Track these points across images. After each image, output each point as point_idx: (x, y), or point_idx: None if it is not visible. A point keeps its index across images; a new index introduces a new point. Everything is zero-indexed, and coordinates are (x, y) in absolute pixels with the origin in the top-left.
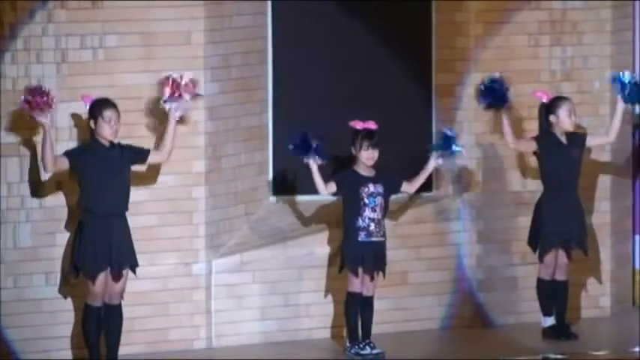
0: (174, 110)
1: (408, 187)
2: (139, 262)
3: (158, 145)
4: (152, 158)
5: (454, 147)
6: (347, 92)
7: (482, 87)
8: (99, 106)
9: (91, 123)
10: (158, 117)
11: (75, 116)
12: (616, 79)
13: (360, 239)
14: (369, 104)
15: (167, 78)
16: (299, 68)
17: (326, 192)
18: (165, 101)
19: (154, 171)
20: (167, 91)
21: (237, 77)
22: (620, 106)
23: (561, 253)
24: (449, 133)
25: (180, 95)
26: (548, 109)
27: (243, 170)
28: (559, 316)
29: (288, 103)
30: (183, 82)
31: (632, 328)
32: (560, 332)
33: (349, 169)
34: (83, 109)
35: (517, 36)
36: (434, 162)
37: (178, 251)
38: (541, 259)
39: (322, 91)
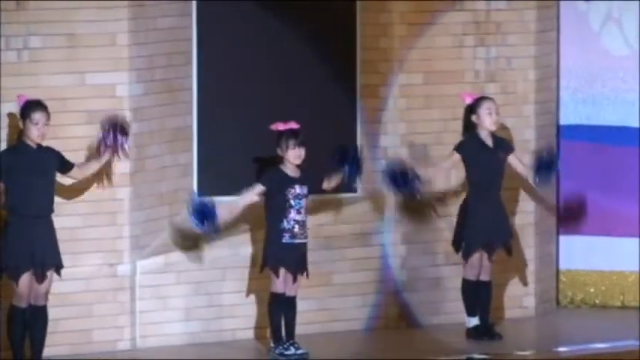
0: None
1: (328, 185)
2: (63, 263)
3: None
4: (73, 173)
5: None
6: (272, 93)
7: (388, 176)
8: (29, 108)
9: (20, 124)
10: (82, 118)
11: (10, 116)
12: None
13: (284, 241)
14: (294, 105)
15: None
16: (224, 69)
17: (255, 198)
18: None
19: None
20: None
21: (161, 78)
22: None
23: (486, 255)
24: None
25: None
26: (470, 109)
27: (167, 171)
28: (483, 316)
29: (212, 104)
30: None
31: (556, 328)
32: (485, 332)
33: (276, 169)
34: (15, 110)
35: (441, 37)
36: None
37: (102, 252)
38: (466, 260)
39: (247, 93)
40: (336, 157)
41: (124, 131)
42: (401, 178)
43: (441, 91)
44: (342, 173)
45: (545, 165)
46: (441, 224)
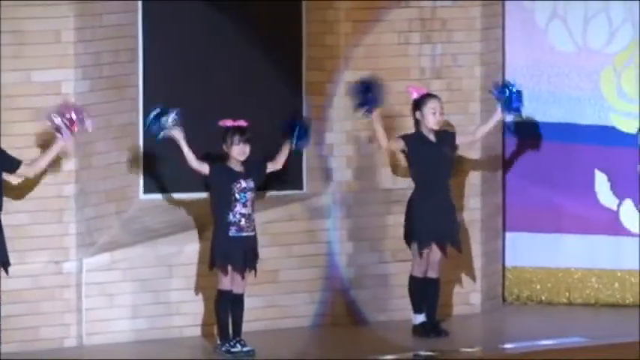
0: (61, 138)
1: (274, 165)
2: (10, 260)
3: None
4: (22, 170)
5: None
6: (218, 90)
7: (360, 86)
8: None
9: None
10: (29, 115)
11: None
12: (503, 90)
13: (230, 234)
14: (241, 102)
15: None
16: (170, 66)
17: (200, 168)
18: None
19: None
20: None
21: (108, 75)
22: (498, 114)
23: (434, 251)
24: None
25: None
26: (415, 106)
27: (114, 168)
28: (430, 313)
29: (158, 101)
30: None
31: (502, 324)
32: (431, 329)
33: (221, 164)
34: None
35: (387, 34)
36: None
37: (49, 249)
38: (415, 256)
39: (193, 89)
40: (283, 127)
41: (79, 112)
42: (365, 89)
43: (387, 88)
44: (289, 144)
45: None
46: (388, 221)
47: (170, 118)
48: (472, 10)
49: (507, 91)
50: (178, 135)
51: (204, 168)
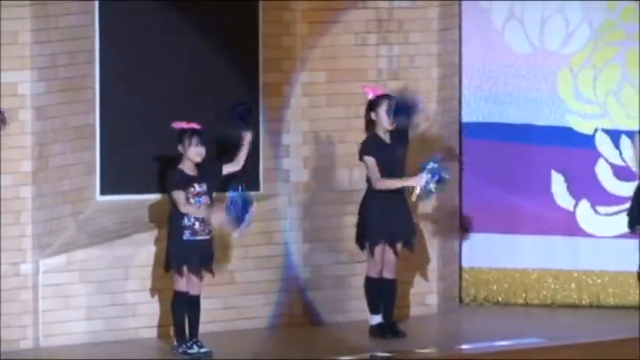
0: None
1: (234, 166)
2: None
3: None
4: None
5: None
6: (175, 91)
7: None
8: None
9: None
10: None
11: None
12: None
13: (185, 238)
14: (197, 103)
15: None
16: (126, 68)
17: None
18: None
19: None
20: None
21: (64, 77)
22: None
23: (389, 251)
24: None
25: None
26: (371, 106)
27: (70, 170)
28: (386, 314)
29: (115, 102)
30: None
31: (459, 325)
32: (388, 330)
33: (176, 169)
34: None
35: (344, 35)
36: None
37: (5, 251)
38: (370, 257)
39: (150, 91)
40: (229, 115)
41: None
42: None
43: (344, 89)
44: (246, 146)
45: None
46: (344, 222)
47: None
48: (429, 11)
49: (434, 171)
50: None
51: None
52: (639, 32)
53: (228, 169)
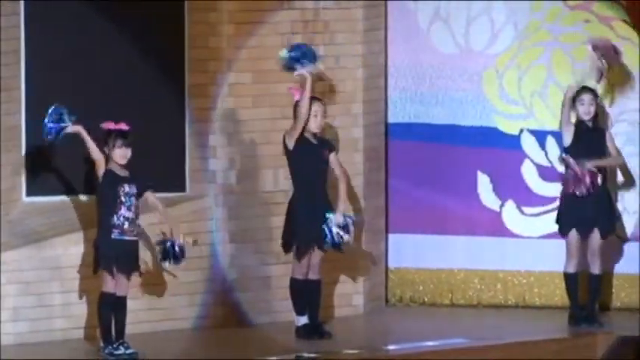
0: None
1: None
2: None
3: None
4: None
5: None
6: (100, 92)
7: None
8: None
9: None
10: None
11: None
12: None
13: (113, 237)
14: (124, 104)
15: None
16: (52, 68)
17: (99, 156)
18: None
19: None
20: None
21: None
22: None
23: (315, 253)
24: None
25: None
26: (297, 108)
27: None
28: (312, 314)
29: (42, 103)
30: None
31: (385, 326)
32: (314, 331)
33: (106, 169)
34: None
35: (270, 36)
36: None
37: None
38: (297, 259)
39: (76, 91)
40: None
41: None
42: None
43: (270, 90)
44: None
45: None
46: (270, 223)
47: (65, 115)
48: (354, 12)
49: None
50: (80, 129)
51: (101, 164)
52: (564, 33)
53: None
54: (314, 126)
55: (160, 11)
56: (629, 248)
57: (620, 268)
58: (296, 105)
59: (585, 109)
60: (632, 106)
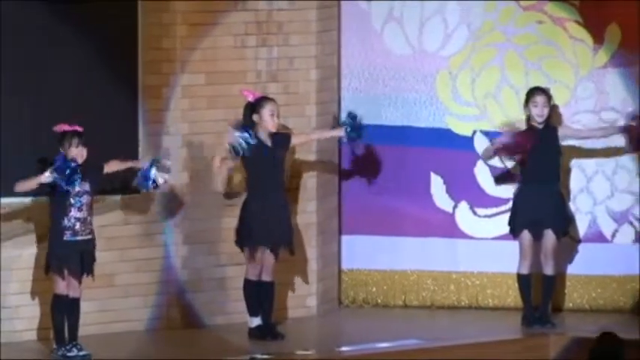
0: None
1: (114, 166)
2: None
3: None
4: None
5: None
6: (53, 93)
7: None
8: None
9: None
10: None
11: None
12: (351, 121)
13: (65, 238)
14: (76, 106)
15: None
16: (3, 69)
17: (44, 179)
18: None
19: None
20: None
21: None
22: (340, 132)
23: (268, 254)
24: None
25: None
26: (252, 108)
27: None
28: (265, 316)
29: None
30: None
31: (338, 327)
32: (267, 332)
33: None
34: None
35: (223, 37)
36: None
37: None
38: (249, 260)
39: (28, 93)
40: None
41: None
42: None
43: (224, 91)
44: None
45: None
46: (223, 224)
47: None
48: (308, 13)
49: (353, 121)
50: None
51: (48, 178)
52: (517, 34)
53: (109, 167)
54: (271, 125)
55: (112, 13)
56: (581, 249)
57: (573, 269)
58: (246, 107)
59: (539, 111)
60: (586, 106)
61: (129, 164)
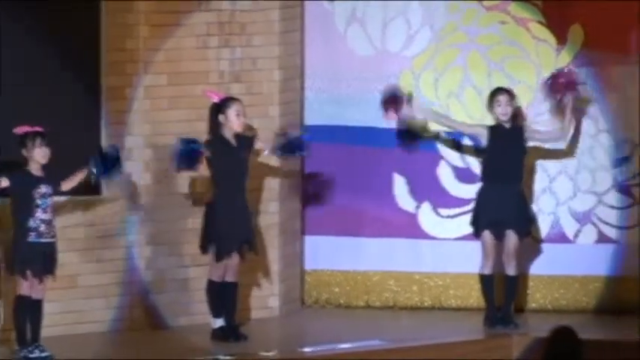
0: None
1: (64, 185)
2: None
3: None
4: None
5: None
6: (15, 95)
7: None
8: None
9: None
10: None
11: None
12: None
13: (29, 240)
14: (37, 107)
15: None
16: None
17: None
18: None
19: None
20: None
21: None
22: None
23: (233, 255)
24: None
25: None
26: (218, 109)
27: None
28: (228, 317)
29: None
30: None
31: (301, 328)
32: (230, 333)
33: (21, 170)
34: None
35: (186, 38)
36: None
37: None
38: (217, 261)
39: None
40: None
41: None
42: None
43: (186, 92)
44: (85, 173)
45: (290, 144)
46: (186, 225)
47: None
48: (271, 13)
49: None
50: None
51: (5, 182)
52: (480, 35)
53: (65, 186)
54: (237, 125)
55: (75, 13)
56: (544, 250)
57: (536, 269)
58: (212, 108)
59: (502, 110)
60: (549, 107)
61: (79, 176)
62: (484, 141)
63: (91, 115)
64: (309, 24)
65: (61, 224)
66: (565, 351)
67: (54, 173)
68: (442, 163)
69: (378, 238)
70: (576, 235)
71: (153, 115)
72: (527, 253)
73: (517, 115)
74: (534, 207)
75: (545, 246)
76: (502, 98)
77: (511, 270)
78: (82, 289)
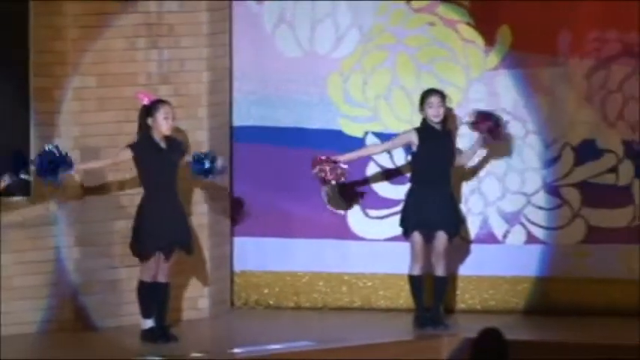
0: None
1: None
2: None
3: None
4: None
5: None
6: None
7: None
8: None
9: None
10: None
11: None
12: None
13: None
14: None
15: None
16: None
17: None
18: None
19: None
20: None
21: None
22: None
23: (163, 256)
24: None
25: None
26: (147, 112)
27: None
28: (159, 318)
29: None
30: None
31: (231, 329)
32: (160, 334)
33: None
34: None
35: (115, 39)
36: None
37: None
38: (143, 262)
39: None
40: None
41: None
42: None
43: (115, 93)
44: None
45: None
46: (115, 226)
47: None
48: (199, 15)
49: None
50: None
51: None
52: (409, 36)
53: None
54: (165, 128)
55: (3, 14)
56: (473, 250)
57: (465, 270)
58: (141, 110)
59: (434, 112)
60: (478, 108)
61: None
62: (416, 145)
63: (19, 116)
64: (237, 25)
65: None
66: (491, 352)
67: None
68: (371, 164)
69: (307, 239)
70: (505, 236)
71: (82, 117)
72: (457, 253)
73: (447, 117)
74: (463, 207)
75: (474, 246)
76: (434, 100)
77: (440, 270)
78: (10, 290)
